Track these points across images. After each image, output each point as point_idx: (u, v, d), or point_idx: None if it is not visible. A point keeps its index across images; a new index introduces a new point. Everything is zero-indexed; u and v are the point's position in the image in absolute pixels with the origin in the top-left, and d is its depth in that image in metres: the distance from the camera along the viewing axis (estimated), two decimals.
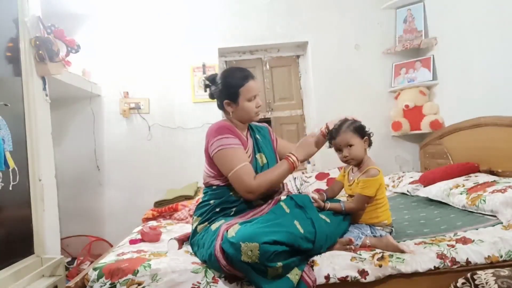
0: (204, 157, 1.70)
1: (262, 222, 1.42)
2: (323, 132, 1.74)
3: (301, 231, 1.40)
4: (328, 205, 1.63)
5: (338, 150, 1.69)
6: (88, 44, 3.16)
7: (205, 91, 1.81)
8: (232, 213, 1.62)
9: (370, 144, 1.70)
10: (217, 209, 1.62)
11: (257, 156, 1.70)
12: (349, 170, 1.77)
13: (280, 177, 1.63)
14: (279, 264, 1.32)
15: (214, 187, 1.66)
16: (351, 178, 1.72)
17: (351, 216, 1.69)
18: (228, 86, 1.66)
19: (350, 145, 1.65)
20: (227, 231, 1.41)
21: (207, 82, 1.77)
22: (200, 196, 2.68)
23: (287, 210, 1.51)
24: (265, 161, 1.71)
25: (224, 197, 1.63)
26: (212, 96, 1.77)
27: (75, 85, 2.91)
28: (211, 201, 1.64)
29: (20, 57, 2.12)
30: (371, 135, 1.70)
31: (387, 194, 2.81)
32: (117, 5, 3.44)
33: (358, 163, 1.70)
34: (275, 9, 3.51)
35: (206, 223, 1.60)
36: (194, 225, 1.66)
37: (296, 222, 1.43)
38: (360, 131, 1.66)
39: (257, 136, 1.78)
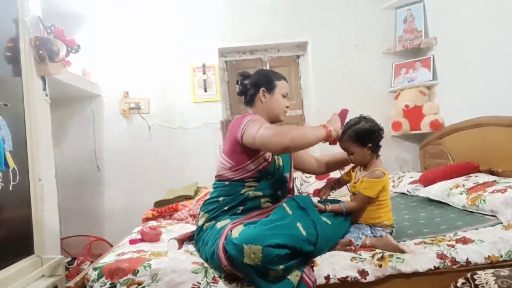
0: (222, 149, 1.71)
1: (265, 224, 1.42)
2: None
3: (304, 233, 1.40)
4: (329, 206, 1.63)
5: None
6: (88, 44, 3.15)
7: (238, 87, 1.82)
8: (239, 211, 1.62)
9: (375, 150, 1.65)
10: (225, 208, 1.62)
11: (276, 157, 1.71)
12: (358, 169, 1.76)
13: (312, 135, 1.51)
14: (281, 267, 1.32)
15: (226, 182, 1.66)
16: (357, 176, 1.71)
17: (351, 217, 1.69)
18: (267, 76, 1.75)
19: (351, 153, 1.66)
20: (231, 231, 1.41)
21: (240, 77, 1.81)
22: (207, 191, 2.71)
23: (290, 212, 1.51)
24: (281, 164, 1.72)
25: (235, 194, 1.63)
26: (242, 92, 1.79)
27: (75, 85, 2.91)
28: (220, 198, 1.64)
29: (20, 57, 2.12)
30: (378, 138, 1.63)
31: None
32: (117, 5, 3.44)
33: (365, 164, 1.69)
34: (275, 9, 3.52)
35: (213, 221, 1.60)
36: (201, 220, 1.65)
37: (298, 225, 1.43)
38: (361, 139, 1.62)
39: None
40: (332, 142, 1.63)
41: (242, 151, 1.61)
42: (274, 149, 1.51)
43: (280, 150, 1.51)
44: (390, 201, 1.70)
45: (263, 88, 1.72)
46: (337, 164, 1.91)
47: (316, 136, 1.52)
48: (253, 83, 1.76)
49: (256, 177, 1.64)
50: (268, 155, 1.66)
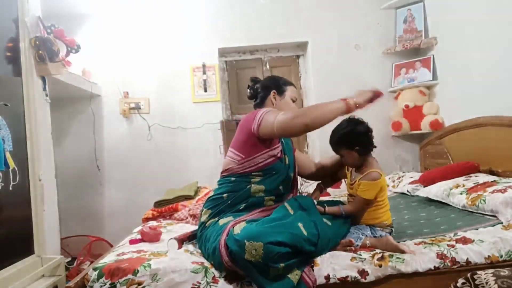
0: (231, 144, 1.71)
1: (267, 222, 1.43)
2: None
3: (305, 233, 1.41)
4: (327, 209, 1.64)
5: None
6: (88, 44, 3.16)
7: (248, 91, 1.89)
8: (241, 208, 1.62)
9: (363, 153, 1.64)
10: (229, 202, 1.63)
11: (283, 155, 1.72)
12: (352, 169, 1.76)
13: (329, 112, 1.48)
14: (281, 265, 1.33)
15: (232, 178, 1.66)
16: (353, 178, 1.71)
17: (351, 219, 1.69)
18: (277, 80, 1.86)
19: (341, 156, 1.68)
20: (233, 227, 1.42)
21: (251, 82, 1.90)
22: (207, 191, 2.71)
23: (291, 211, 1.52)
24: (287, 162, 1.73)
25: (239, 191, 1.63)
26: (253, 96, 1.86)
27: (75, 85, 2.91)
28: (224, 195, 1.65)
29: (20, 57, 2.11)
30: (365, 140, 1.62)
31: (387, 194, 2.83)
32: (117, 5, 3.44)
33: (358, 165, 1.69)
34: (275, 9, 3.52)
35: (216, 218, 1.61)
36: (204, 217, 1.65)
37: (300, 224, 1.43)
38: (347, 142, 1.63)
39: (282, 140, 1.80)
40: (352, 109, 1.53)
41: (254, 143, 1.62)
42: (296, 130, 1.52)
43: (302, 131, 1.52)
44: (388, 200, 1.70)
45: (274, 91, 1.79)
46: (337, 166, 1.90)
47: (333, 112, 1.49)
48: (264, 86, 1.83)
49: (262, 171, 1.64)
50: (277, 151, 1.66)
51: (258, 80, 1.90)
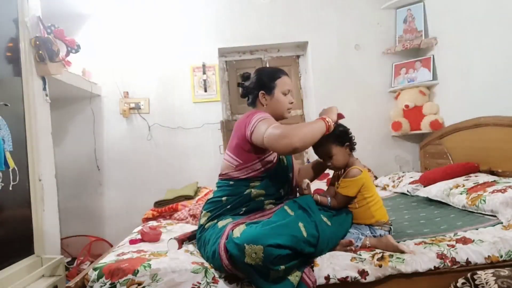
0: (228, 145, 1.69)
1: (267, 224, 1.42)
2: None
3: (305, 234, 1.40)
4: (317, 196, 1.67)
5: (322, 158, 1.74)
6: (88, 44, 3.16)
7: (240, 89, 1.83)
8: (241, 212, 1.62)
9: (352, 149, 1.70)
10: (228, 207, 1.62)
11: (281, 157, 1.72)
12: (339, 173, 1.78)
13: (317, 131, 1.49)
14: (282, 267, 1.32)
15: (231, 182, 1.64)
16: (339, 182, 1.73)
17: (352, 219, 1.69)
18: (264, 77, 1.72)
19: (331, 156, 1.67)
20: (232, 230, 1.41)
21: (241, 79, 1.82)
22: (207, 191, 2.71)
23: (291, 213, 1.51)
24: (285, 163, 1.73)
25: (239, 194, 1.62)
26: (244, 94, 1.79)
27: (75, 85, 2.91)
28: (224, 198, 1.63)
29: (20, 57, 2.11)
30: (353, 138, 1.69)
31: (387, 194, 2.83)
32: (117, 5, 3.44)
33: (345, 165, 1.71)
34: (275, 9, 3.52)
35: (215, 220, 1.60)
36: (203, 219, 1.64)
37: (300, 224, 1.43)
38: (340, 139, 1.66)
39: None
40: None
41: (249, 149, 1.60)
42: (283, 151, 1.48)
43: (289, 152, 1.46)
44: (379, 197, 1.71)
45: (262, 92, 1.70)
46: (313, 171, 1.90)
47: (320, 131, 1.50)
48: (252, 85, 1.75)
49: (261, 176, 1.63)
50: (273, 156, 1.66)
51: (247, 76, 1.80)
